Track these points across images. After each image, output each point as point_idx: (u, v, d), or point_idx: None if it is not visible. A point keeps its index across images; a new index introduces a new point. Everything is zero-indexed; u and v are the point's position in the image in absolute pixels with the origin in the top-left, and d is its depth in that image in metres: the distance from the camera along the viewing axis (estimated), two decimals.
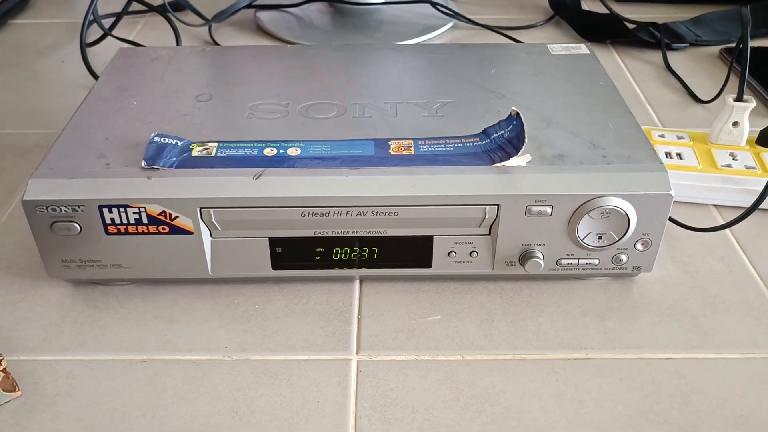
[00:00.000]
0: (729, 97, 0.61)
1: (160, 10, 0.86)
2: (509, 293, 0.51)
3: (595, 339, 0.48)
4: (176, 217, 0.46)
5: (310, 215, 0.46)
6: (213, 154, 0.48)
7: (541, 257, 0.48)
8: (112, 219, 0.46)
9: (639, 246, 0.48)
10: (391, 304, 0.50)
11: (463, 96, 0.56)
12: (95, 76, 0.79)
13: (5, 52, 0.88)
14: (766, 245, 0.56)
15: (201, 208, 0.46)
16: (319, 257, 0.49)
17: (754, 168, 0.60)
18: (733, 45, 0.89)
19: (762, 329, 0.48)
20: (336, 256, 0.49)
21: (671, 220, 0.55)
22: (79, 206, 0.46)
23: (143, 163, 0.46)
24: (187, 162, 0.47)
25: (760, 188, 0.58)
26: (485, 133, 0.49)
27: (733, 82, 0.79)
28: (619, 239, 0.48)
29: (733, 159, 0.61)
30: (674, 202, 0.59)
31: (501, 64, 0.61)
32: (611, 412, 0.43)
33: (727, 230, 0.57)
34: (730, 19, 0.93)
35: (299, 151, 0.48)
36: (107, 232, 0.47)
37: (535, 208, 0.46)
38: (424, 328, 0.49)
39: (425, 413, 0.43)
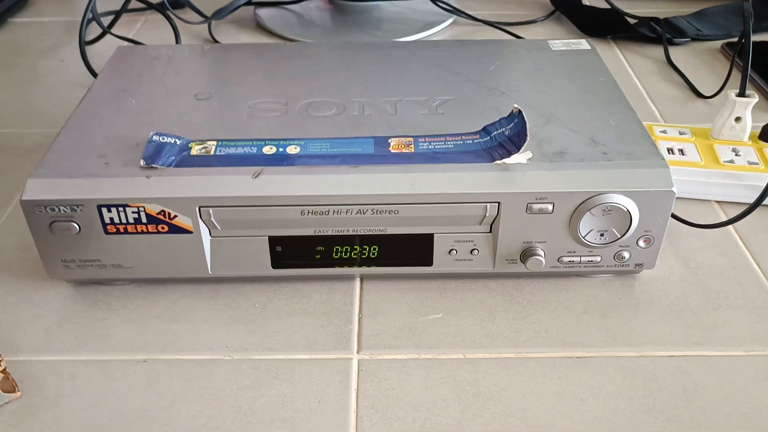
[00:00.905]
0: (731, 93, 0.61)
1: (159, 8, 0.86)
2: (510, 291, 0.51)
3: (597, 336, 0.47)
4: (175, 216, 0.46)
5: (310, 214, 0.46)
6: (212, 152, 0.48)
7: (543, 255, 0.48)
8: (111, 218, 0.46)
9: (641, 243, 0.48)
10: (391, 302, 0.50)
11: (463, 93, 0.55)
12: (95, 75, 0.79)
13: (5, 50, 0.88)
14: None
15: (200, 207, 0.46)
16: (319, 256, 0.49)
17: (756, 164, 0.59)
18: (735, 39, 0.88)
19: (765, 326, 0.48)
20: (336, 255, 0.49)
21: (674, 216, 0.55)
22: (78, 206, 0.45)
23: (142, 162, 0.46)
24: (186, 161, 0.47)
25: (763, 184, 0.58)
26: (485, 130, 0.49)
27: (735, 77, 0.79)
28: (621, 236, 0.47)
29: (736, 154, 0.60)
30: (676, 198, 0.59)
31: (501, 60, 0.61)
32: (614, 410, 0.43)
33: (729, 226, 0.57)
34: (732, 14, 0.92)
35: (299, 149, 0.48)
36: (106, 232, 0.47)
37: (535, 206, 0.46)
38: (426, 326, 0.48)
39: (427, 412, 0.43)
